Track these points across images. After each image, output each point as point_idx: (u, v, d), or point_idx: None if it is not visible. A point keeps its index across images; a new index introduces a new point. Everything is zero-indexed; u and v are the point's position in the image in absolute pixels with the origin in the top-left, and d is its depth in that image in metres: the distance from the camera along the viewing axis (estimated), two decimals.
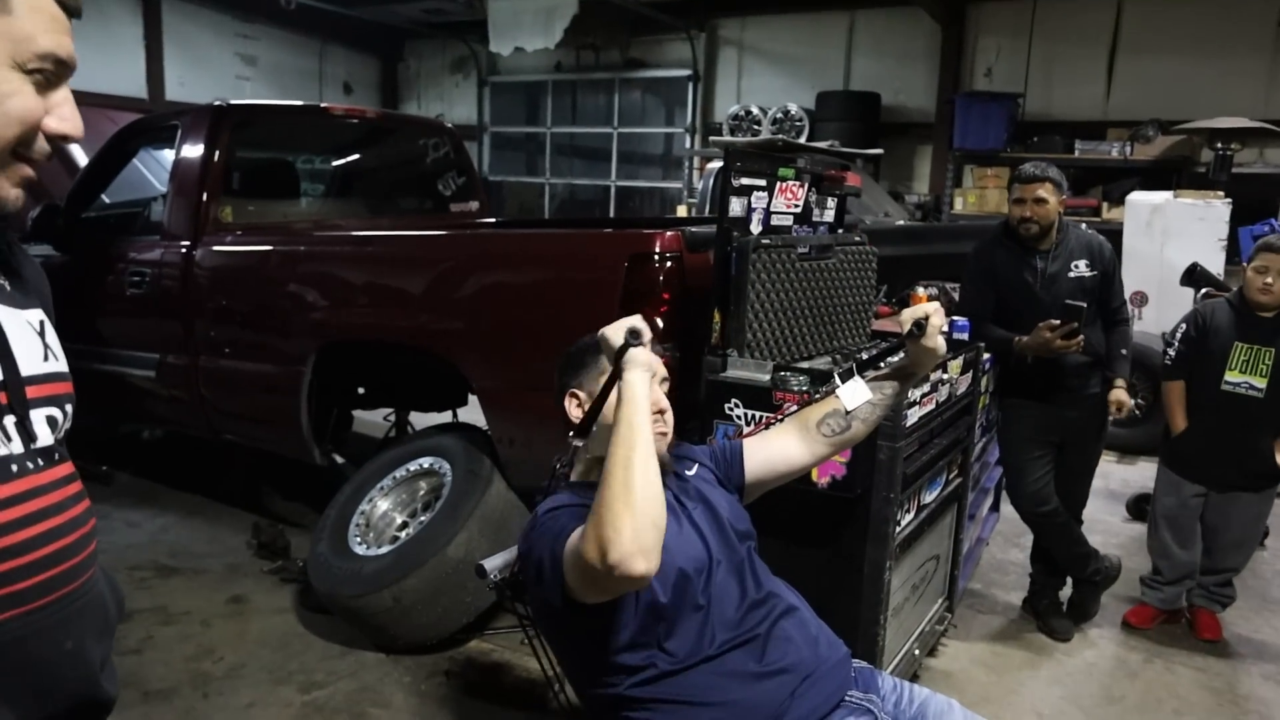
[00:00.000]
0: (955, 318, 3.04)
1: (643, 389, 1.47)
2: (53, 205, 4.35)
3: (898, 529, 2.41)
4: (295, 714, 2.73)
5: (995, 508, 3.88)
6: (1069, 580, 3.45)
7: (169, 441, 5.36)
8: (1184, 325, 3.29)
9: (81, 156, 5.40)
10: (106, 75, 10.08)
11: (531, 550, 1.57)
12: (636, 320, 1.53)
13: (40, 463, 1.01)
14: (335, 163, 4.95)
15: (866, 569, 2.37)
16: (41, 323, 1.08)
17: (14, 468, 0.97)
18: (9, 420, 0.98)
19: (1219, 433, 3.17)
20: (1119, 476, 5.25)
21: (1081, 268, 3.16)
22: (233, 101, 4.13)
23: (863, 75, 10.10)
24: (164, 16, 10.59)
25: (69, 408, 1.08)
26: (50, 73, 0.96)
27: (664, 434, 1.68)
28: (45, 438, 1.02)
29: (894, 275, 4.02)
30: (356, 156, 4.99)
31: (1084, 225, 3.36)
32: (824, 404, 1.90)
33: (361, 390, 4.14)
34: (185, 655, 3.03)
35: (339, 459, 3.67)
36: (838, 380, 1.88)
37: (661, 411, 1.68)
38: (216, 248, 3.79)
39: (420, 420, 4.25)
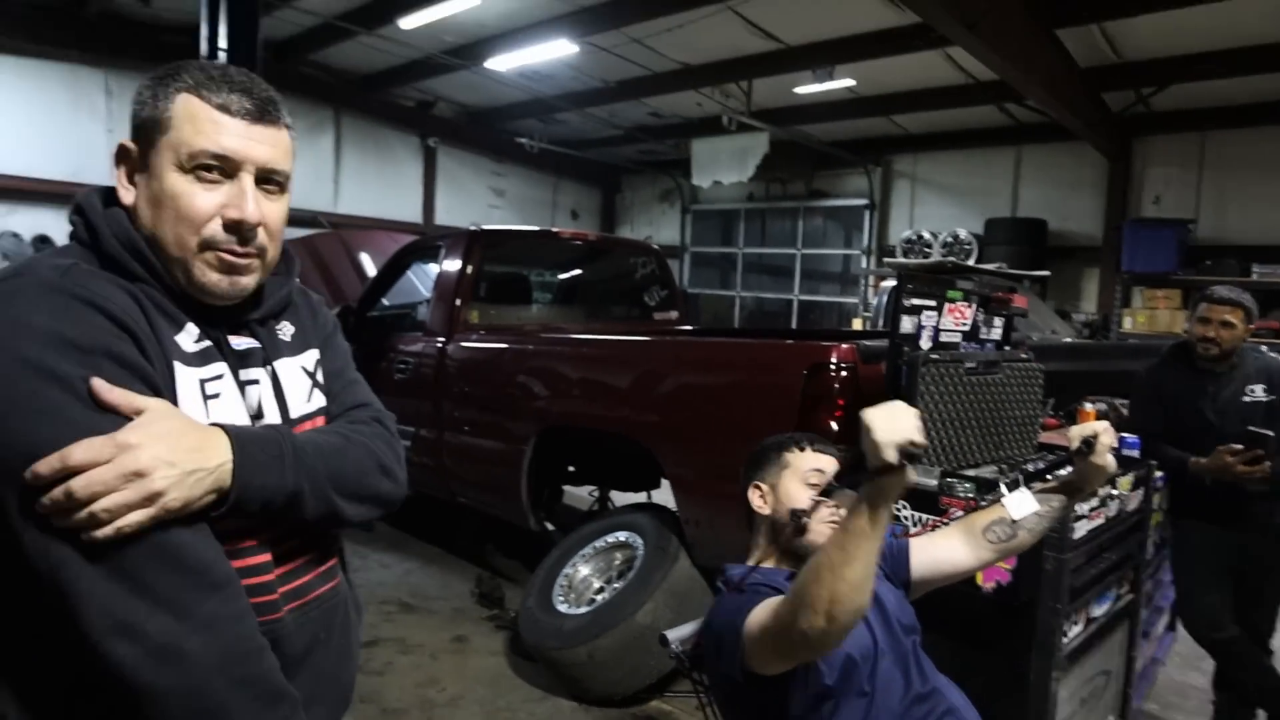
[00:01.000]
0: (1125, 435, 2.76)
1: (892, 503, 1.24)
2: (348, 306, 4.84)
3: (1065, 640, 2.17)
4: None
5: (1171, 627, 3.41)
6: (1261, 714, 2.94)
7: (417, 500, 5.67)
8: None
9: (371, 268, 6.01)
10: (395, 205, 11.28)
11: (715, 621, 1.54)
12: (916, 430, 1.18)
13: None
14: (561, 276, 5.19)
15: (1032, 677, 2.14)
16: (316, 363, 1.16)
17: None
18: None
19: None
20: None
21: (1258, 392, 2.80)
22: (484, 226, 4.48)
23: (1029, 203, 9.66)
24: (439, 160, 11.78)
25: None
26: (216, 168, 0.98)
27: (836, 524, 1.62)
28: None
29: (1061, 389, 3.73)
30: (578, 271, 5.23)
31: (1264, 348, 3.00)
32: (990, 511, 1.77)
33: (572, 469, 4.23)
34: (416, 681, 3.16)
35: (550, 526, 3.75)
36: (1004, 490, 1.75)
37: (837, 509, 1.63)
38: (464, 344, 4.04)
39: (620, 498, 4.30)
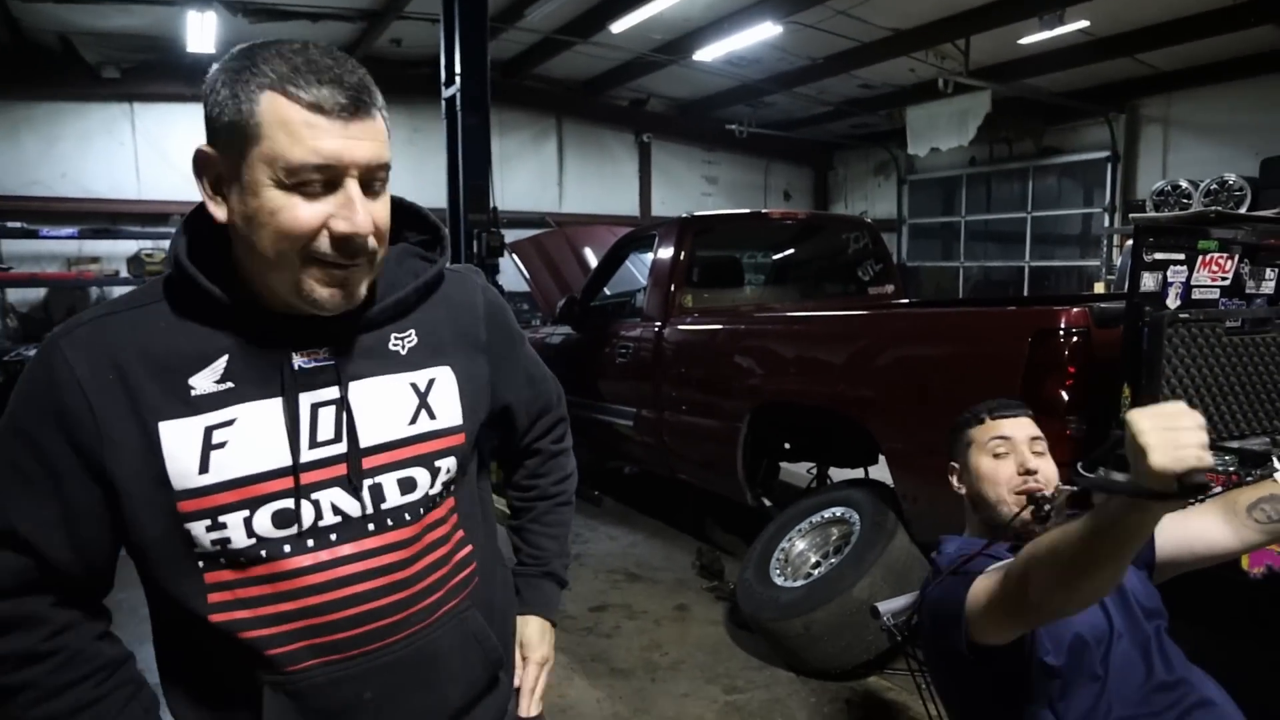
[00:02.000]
0: None
1: (1156, 522, 1.03)
2: (572, 297, 5.13)
3: None
4: (719, 710, 2.82)
5: None
6: None
7: (641, 476, 5.86)
8: None
9: (593, 261, 6.32)
10: (613, 201, 11.75)
11: (934, 594, 1.47)
12: (1207, 455, 0.90)
13: (382, 526, 0.95)
14: (773, 257, 5.16)
15: None
16: (431, 382, 1.00)
17: (334, 535, 0.93)
18: (344, 488, 0.93)
19: None
20: None
21: None
22: (695, 213, 4.55)
23: None
24: (652, 154, 12.09)
25: (443, 463, 1.00)
26: (318, 180, 0.85)
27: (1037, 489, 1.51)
28: (394, 499, 0.96)
29: None
30: (790, 251, 5.16)
31: None
32: (1259, 487, 1.53)
33: (788, 446, 4.21)
34: (641, 645, 3.31)
35: (767, 502, 3.76)
36: (1275, 462, 1.52)
37: (1031, 472, 1.53)
38: (679, 327, 4.14)
39: (838, 475, 4.22)
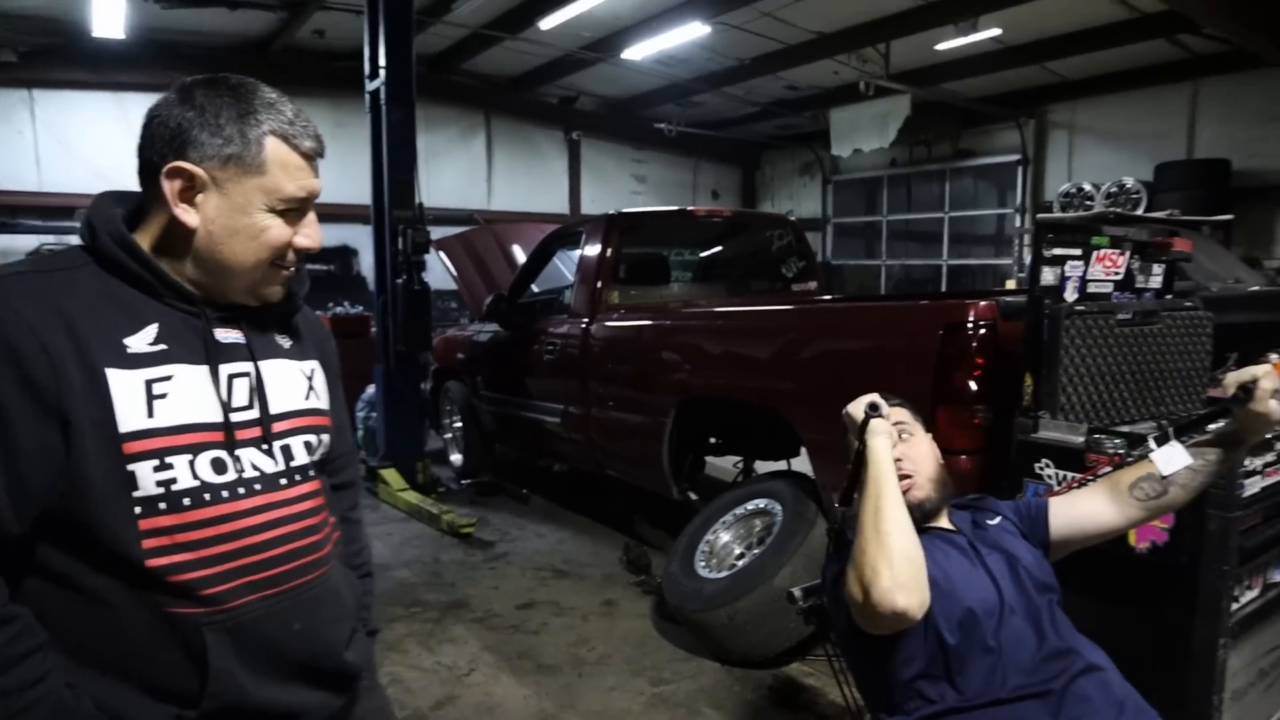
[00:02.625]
0: None
1: (885, 451, 1.48)
2: (500, 294, 5.08)
3: (1235, 605, 1.97)
4: (645, 702, 2.84)
5: None
6: None
7: (570, 473, 5.84)
8: None
9: (521, 258, 6.27)
10: (543, 198, 11.68)
11: (826, 578, 1.57)
12: (874, 396, 1.55)
13: (292, 480, 1.11)
14: (700, 254, 5.20)
15: (1195, 644, 1.95)
16: (313, 371, 1.20)
17: (258, 485, 1.07)
18: (259, 448, 1.08)
19: None
20: None
21: None
22: (622, 210, 4.56)
23: (1209, 142, 8.67)
24: (582, 152, 12.07)
25: (324, 437, 1.19)
26: (294, 208, 1.07)
27: (910, 476, 1.59)
28: (302, 458, 1.13)
29: (1246, 342, 3.35)
30: (716, 248, 5.20)
31: None
32: (1138, 467, 1.63)
33: (714, 440, 4.25)
34: (568, 641, 3.30)
35: (693, 495, 3.79)
36: (1152, 444, 1.61)
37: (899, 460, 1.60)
38: (606, 323, 4.14)
39: (764, 468, 4.27)
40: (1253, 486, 1.97)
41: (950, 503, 1.67)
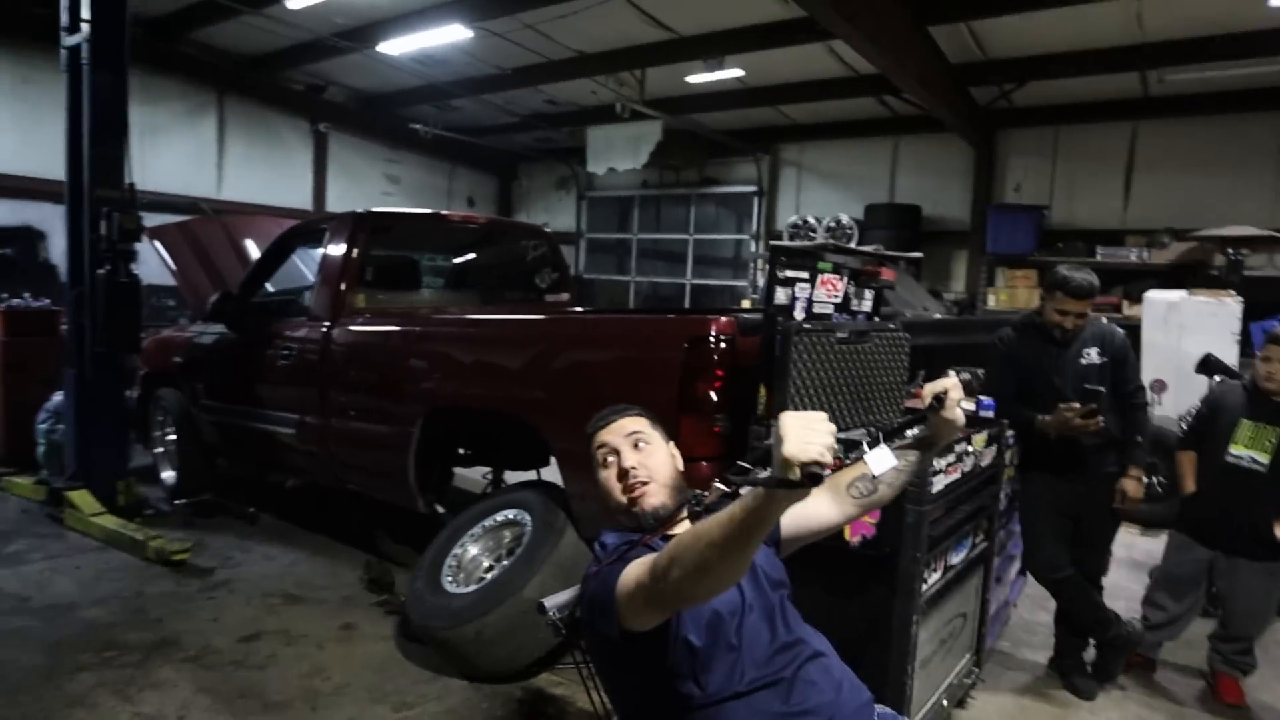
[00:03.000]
0: (983, 397, 2.90)
1: (780, 513, 1.20)
2: (228, 293, 4.57)
3: (924, 586, 2.26)
4: None
5: (1022, 572, 3.62)
6: (1092, 642, 3.17)
7: (305, 489, 5.46)
8: (1199, 403, 3.09)
9: (255, 252, 5.71)
10: (284, 192, 10.75)
11: (589, 584, 1.52)
12: (827, 451, 1.15)
13: None
14: (453, 260, 5.07)
15: (894, 622, 2.22)
16: None
17: None
18: None
19: (1224, 501, 2.98)
20: (1142, 548, 4.87)
21: (1092, 355, 2.99)
22: (371, 209, 4.31)
23: (905, 189, 10.04)
24: (330, 146, 11.29)
25: None
26: None
27: (646, 483, 1.62)
28: None
29: (932, 362, 3.89)
30: (470, 255, 5.10)
31: (1103, 318, 3.19)
32: (853, 469, 1.81)
33: (463, 451, 4.16)
34: (300, 673, 3.02)
35: (439, 508, 3.66)
36: (865, 448, 1.79)
37: (627, 471, 1.63)
38: (350, 328, 3.90)
39: (514, 478, 4.23)
40: (939, 484, 2.27)
41: (690, 508, 1.69)
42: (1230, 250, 6.26)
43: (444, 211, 5.09)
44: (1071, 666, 3.15)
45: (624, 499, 1.63)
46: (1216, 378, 4.09)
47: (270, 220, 6.46)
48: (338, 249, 4.07)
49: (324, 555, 4.31)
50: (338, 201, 11.18)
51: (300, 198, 11.03)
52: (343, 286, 3.99)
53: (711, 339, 2.68)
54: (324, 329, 3.96)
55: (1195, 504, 3.08)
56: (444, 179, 12.95)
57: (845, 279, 2.91)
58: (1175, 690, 3.15)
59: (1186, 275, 7.67)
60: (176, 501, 4.98)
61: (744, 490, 1.25)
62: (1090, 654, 3.18)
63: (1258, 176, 7.89)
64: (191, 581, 3.87)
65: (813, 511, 1.81)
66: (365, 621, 3.49)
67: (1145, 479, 3.03)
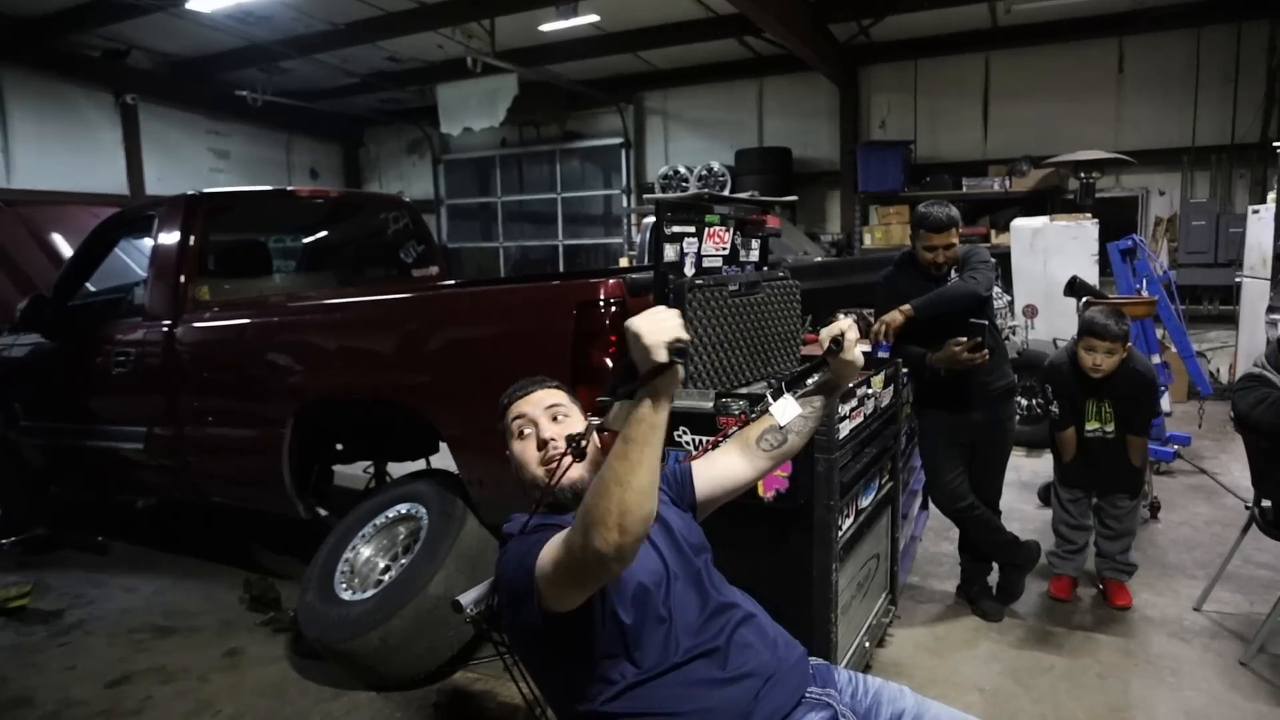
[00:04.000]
0: (879, 339, 3.03)
1: (666, 411, 1.25)
2: (40, 296, 4.18)
3: (840, 533, 2.37)
4: None
5: (924, 506, 3.86)
6: (995, 566, 3.43)
7: (161, 508, 5.13)
8: (1049, 386, 3.40)
9: (67, 249, 5.23)
10: (91, 176, 9.85)
11: (504, 571, 1.50)
12: (680, 328, 1.26)
13: None
14: (304, 240, 4.85)
15: (815, 572, 2.31)
16: None
17: None
18: None
19: (1091, 463, 3.38)
20: (1028, 469, 5.29)
21: (953, 277, 3.16)
22: (205, 190, 4.03)
23: (774, 133, 10.27)
24: (141, 120, 10.38)
25: None
26: None
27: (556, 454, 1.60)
28: None
29: (817, 306, 4.03)
30: (323, 233, 4.89)
31: (982, 248, 3.36)
32: (760, 422, 1.86)
33: (341, 446, 4.02)
34: (184, 712, 2.85)
35: (322, 512, 3.53)
36: (769, 399, 1.84)
37: (546, 442, 1.62)
38: (196, 324, 3.68)
39: (399, 470, 4.12)
40: (844, 429, 2.37)
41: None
42: (1083, 174, 6.79)
43: (290, 188, 4.82)
44: (979, 592, 3.39)
45: (540, 471, 1.60)
46: (1084, 300, 4.44)
47: (82, 210, 5.93)
48: (171, 237, 3.81)
49: (194, 578, 4.08)
50: (159, 184, 10.35)
51: (113, 182, 10.14)
52: (183, 279, 3.74)
53: (601, 303, 2.67)
54: (165, 328, 3.70)
55: (1071, 467, 3.44)
56: (281, 151, 12.22)
57: (731, 230, 2.96)
58: (1070, 603, 3.45)
59: (1046, 202, 8.30)
60: (3, 541, 4.56)
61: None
62: (994, 577, 3.43)
63: (1101, 100, 8.55)
64: (36, 629, 3.57)
65: (725, 470, 1.85)
66: (252, 645, 3.33)
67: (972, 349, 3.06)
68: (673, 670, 1.49)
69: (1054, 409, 3.38)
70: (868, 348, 3.25)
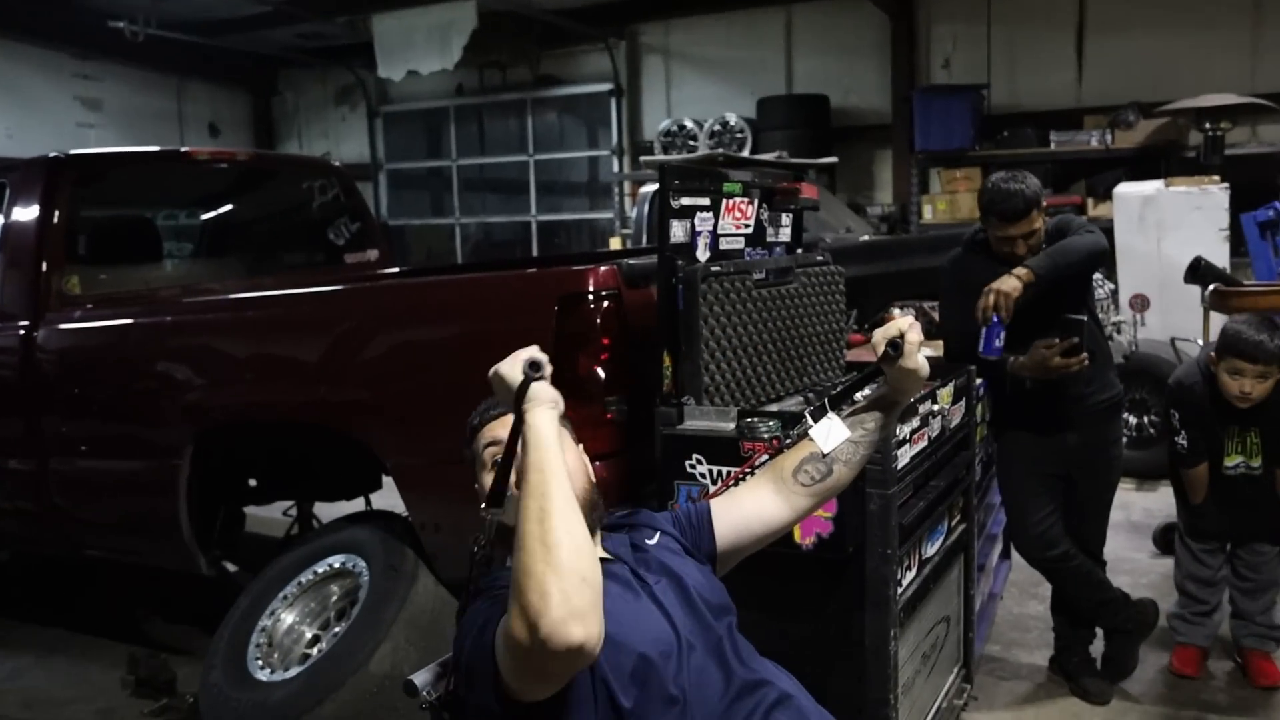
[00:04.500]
0: (992, 328, 3.03)
1: (550, 428, 1.45)
2: None
3: (899, 590, 2.39)
4: None
5: (1006, 555, 3.90)
6: (1099, 633, 3.46)
7: (17, 563, 5.17)
8: (1176, 412, 3.45)
9: None
10: None
11: (459, 650, 1.52)
12: (533, 351, 1.52)
13: None
14: (204, 216, 4.92)
15: (868, 640, 2.34)
16: None
17: None
18: None
19: (1229, 505, 3.43)
20: (1140, 506, 5.33)
21: None
22: (72, 151, 4.07)
23: (807, 76, 10.34)
24: None
25: None
26: None
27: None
28: None
29: (864, 297, 4.08)
30: (229, 207, 4.97)
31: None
32: (798, 449, 1.88)
33: (254, 482, 4.07)
34: None
35: (231, 567, 3.61)
36: (809, 420, 1.87)
37: None
38: (63, 326, 3.73)
39: (329, 513, 4.16)
40: (904, 457, 2.40)
41: (476, 559, 1.68)
42: (1208, 126, 6.84)
43: (183, 148, 4.87)
44: (1078, 665, 3.42)
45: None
46: (1211, 287, 4.49)
47: None
48: (28, 212, 3.87)
49: (61, 655, 4.13)
50: (9, 142, 10.39)
51: None
52: (44, 267, 3.80)
53: (590, 296, 2.70)
54: (21, 331, 3.76)
55: (1203, 511, 3.48)
56: (170, 100, 12.28)
57: (756, 202, 3.00)
58: (1200, 681, 3.48)
59: (1160, 161, 8.35)
60: None
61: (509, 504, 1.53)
62: (1099, 647, 3.46)
63: (1232, 29, 8.61)
64: None
65: (754, 511, 1.88)
66: None
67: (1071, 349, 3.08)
68: None
69: (1181, 440, 3.42)
70: (932, 351, 3.29)
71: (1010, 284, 2.96)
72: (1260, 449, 3.34)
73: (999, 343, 2.99)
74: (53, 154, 4.03)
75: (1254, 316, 3.33)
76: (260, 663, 3.05)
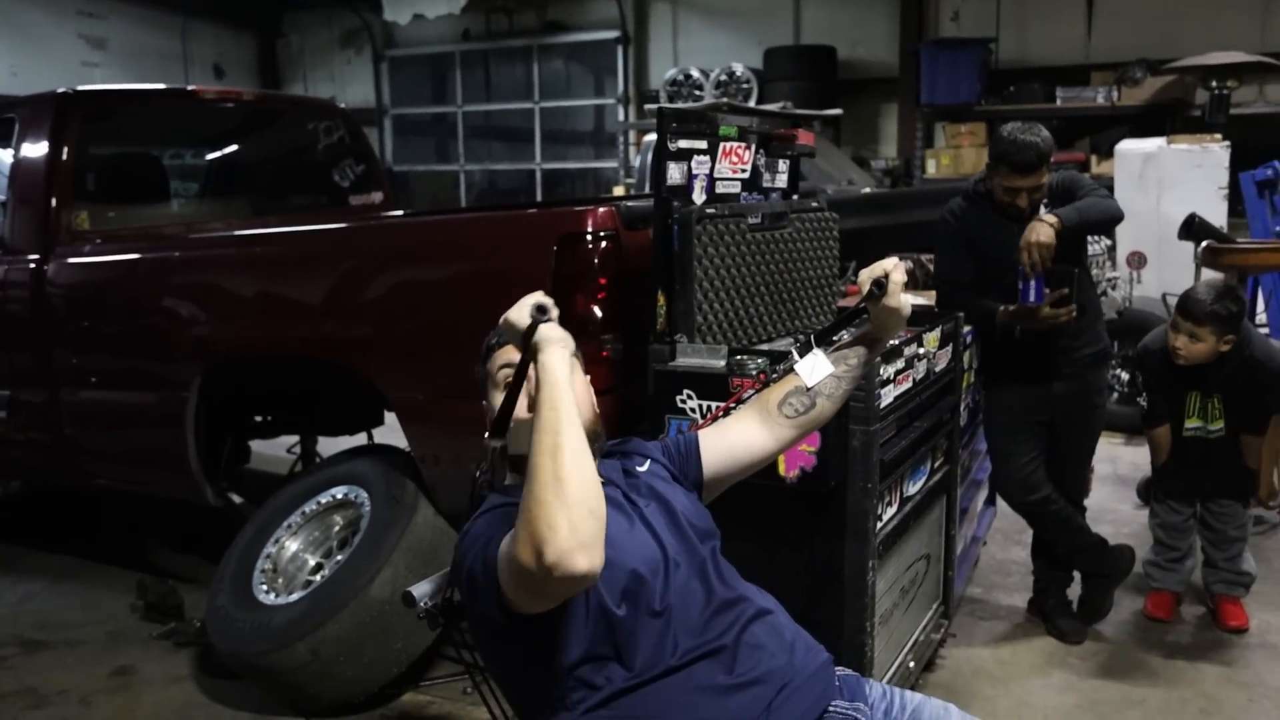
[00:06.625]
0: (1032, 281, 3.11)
1: (562, 366, 1.54)
2: None
3: (879, 525, 2.48)
4: None
5: (991, 502, 3.99)
6: (1077, 576, 3.56)
7: (28, 495, 5.27)
8: (1140, 374, 3.60)
9: None
10: None
11: (462, 561, 1.61)
12: (539, 296, 1.62)
13: None
14: (210, 155, 4.95)
15: (847, 571, 2.43)
16: None
17: None
18: None
19: (1190, 466, 3.53)
20: (1127, 460, 5.41)
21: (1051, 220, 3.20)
22: (79, 88, 4.10)
23: (815, 27, 10.28)
24: None
25: None
26: None
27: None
28: None
29: (863, 249, 4.12)
30: (235, 147, 4.99)
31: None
32: (784, 383, 1.96)
33: (261, 417, 4.14)
34: None
35: (236, 498, 3.67)
36: (795, 355, 1.94)
37: None
38: (72, 260, 3.78)
39: (330, 446, 4.24)
40: (887, 396, 2.48)
41: (478, 485, 1.81)
42: (1215, 84, 6.81)
43: (192, 88, 4.90)
44: (1055, 607, 3.52)
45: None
46: (1203, 244, 4.53)
47: None
48: (37, 149, 3.91)
49: (72, 581, 4.23)
50: (13, 80, 10.37)
51: None
52: (54, 203, 3.85)
53: (589, 236, 2.76)
54: (32, 265, 3.81)
55: (1169, 473, 3.60)
56: (174, 40, 12.21)
57: (753, 147, 3.05)
58: (1170, 624, 3.59)
59: (1165, 119, 8.34)
60: None
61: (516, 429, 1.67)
62: (1076, 590, 3.56)
63: None
64: None
65: (739, 440, 1.96)
66: (147, 662, 3.47)
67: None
68: (669, 674, 1.60)
69: (1142, 401, 3.53)
70: (920, 300, 3.36)
71: (1046, 233, 3.01)
72: (1222, 414, 3.43)
73: (1043, 289, 3.08)
74: (61, 89, 4.04)
75: (1218, 283, 3.40)
76: (265, 587, 3.13)
